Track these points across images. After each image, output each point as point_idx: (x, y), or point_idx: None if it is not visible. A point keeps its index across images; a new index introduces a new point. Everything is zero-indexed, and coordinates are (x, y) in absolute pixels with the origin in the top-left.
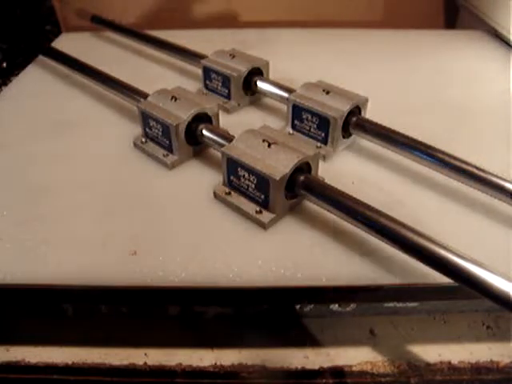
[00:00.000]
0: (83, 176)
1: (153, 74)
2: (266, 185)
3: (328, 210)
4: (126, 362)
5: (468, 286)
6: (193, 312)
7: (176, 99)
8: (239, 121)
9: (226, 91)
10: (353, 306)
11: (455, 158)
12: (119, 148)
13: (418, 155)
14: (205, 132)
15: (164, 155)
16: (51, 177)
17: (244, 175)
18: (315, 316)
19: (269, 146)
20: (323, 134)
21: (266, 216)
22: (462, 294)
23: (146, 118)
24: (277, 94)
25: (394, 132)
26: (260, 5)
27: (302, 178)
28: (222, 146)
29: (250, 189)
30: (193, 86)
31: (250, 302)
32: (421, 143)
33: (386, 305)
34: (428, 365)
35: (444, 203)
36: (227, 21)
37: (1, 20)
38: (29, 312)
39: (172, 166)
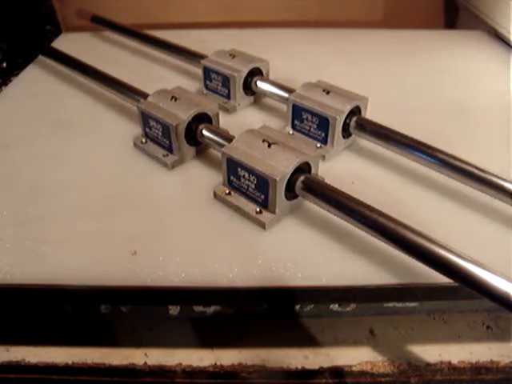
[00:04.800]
0: (83, 176)
1: (153, 74)
2: (265, 185)
3: (328, 210)
4: (125, 362)
5: (468, 285)
6: (193, 312)
7: (176, 99)
8: (239, 121)
9: (226, 91)
10: (353, 305)
11: (455, 158)
12: (119, 148)
13: (418, 155)
14: (205, 132)
15: (164, 155)
16: (51, 177)
17: (244, 175)
18: (315, 316)
19: (269, 146)
20: (323, 134)
21: (266, 216)
22: (462, 294)
23: (145, 118)
24: (277, 94)
25: (394, 132)
26: (259, 5)
27: (302, 178)
28: (222, 146)
29: (250, 189)
30: (193, 86)
31: (250, 301)
32: (421, 143)
33: (386, 305)
34: (428, 365)
35: (444, 203)
36: (227, 21)
37: (1, 20)
38: (29, 312)
39: (172, 166)
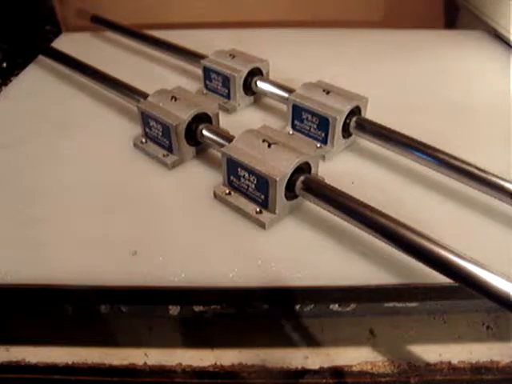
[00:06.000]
0: (83, 176)
1: (153, 74)
2: (265, 185)
3: (328, 210)
4: (125, 362)
5: (468, 285)
6: (193, 312)
7: (176, 99)
8: (239, 121)
9: (226, 91)
10: (353, 305)
11: (455, 158)
12: (119, 148)
13: (418, 155)
14: (205, 132)
15: (164, 155)
16: (51, 177)
17: (244, 175)
18: (315, 316)
19: (269, 146)
20: (323, 134)
21: (266, 216)
22: (462, 294)
23: (146, 118)
24: (277, 94)
25: (394, 132)
26: (259, 5)
27: (302, 178)
28: (222, 146)
29: (250, 189)
30: (193, 86)
31: (250, 301)
32: (421, 143)
33: (386, 305)
34: (428, 365)
35: (444, 203)
36: (227, 21)
37: (1, 20)
38: (29, 312)
39: (172, 166)
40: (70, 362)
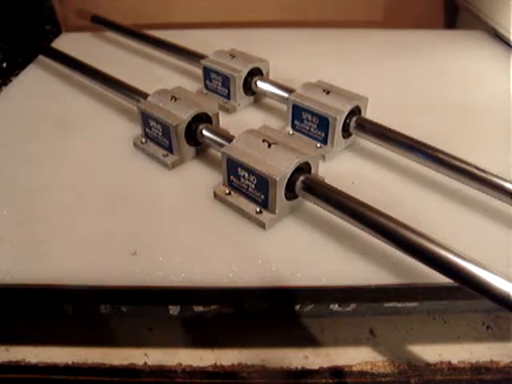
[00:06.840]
0: (83, 176)
1: (153, 74)
2: (265, 185)
3: (328, 210)
4: (125, 362)
5: (468, 285)
6: (193, 312)
7: (176, 99)
8: (239, 121)
9: (226, 91)
10: (353, 305)
11: (455, 158)
12: (119, 148)
13: (418, 155)
14: (205, 132)
15: (164, 155)
16: (51, 177)
17: (244, 175)
18: (315, 316)
19: (269, 146)
20: (323, 134)
21: (266, 216)
22: (462, 294)
23: (145, 118)
24: (277, 94)
25: (394, 132)
26: (260, 5)
27: (302, 178)
28: (222, 146)
29: (250, 189)
30: (193, 85)
31: (250, 301)
32: (421, 143)
33: (386, 305)
34: (428, 365)
35: (444, 203)
36: (227, 21)
37: (1, 20)
38: (29, 312)
39: (172, 166)
40: (69, 362)
